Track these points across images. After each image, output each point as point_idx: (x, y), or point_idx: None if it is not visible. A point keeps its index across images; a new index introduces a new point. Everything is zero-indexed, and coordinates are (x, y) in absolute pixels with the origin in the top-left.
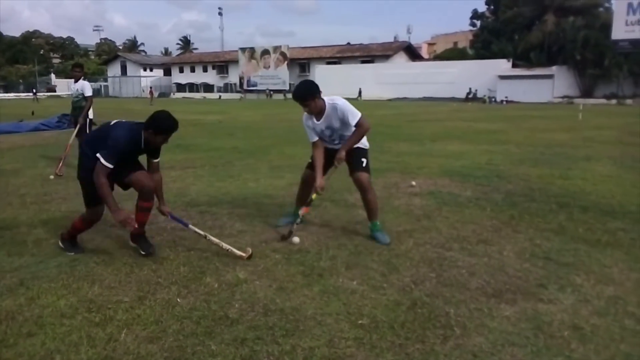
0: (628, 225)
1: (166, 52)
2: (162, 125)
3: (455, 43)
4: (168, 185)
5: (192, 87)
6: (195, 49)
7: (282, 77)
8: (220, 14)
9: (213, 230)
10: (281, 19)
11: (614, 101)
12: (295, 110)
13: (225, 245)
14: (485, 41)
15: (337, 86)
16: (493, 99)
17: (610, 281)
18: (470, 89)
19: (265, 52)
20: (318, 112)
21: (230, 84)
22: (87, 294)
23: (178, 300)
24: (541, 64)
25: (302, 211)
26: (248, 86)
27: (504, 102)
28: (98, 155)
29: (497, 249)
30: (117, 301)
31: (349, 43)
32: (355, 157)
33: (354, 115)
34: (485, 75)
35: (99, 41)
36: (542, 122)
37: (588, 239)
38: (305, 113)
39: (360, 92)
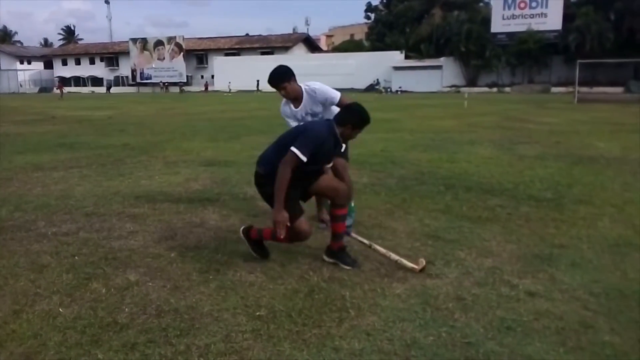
0: (505, 201)
1: (46, 43)
2: (363, 119)
3: (352, 35)
4: (49, 188)
5: (79, 81)
6: (81, 39)
7: (178, 69)
8: (107, 2)
9: (101, 233)
10: (172, 10)
11: (495, 89)
12: (191, 103)
13: (394, 256)
14: (380, 33)
15: (236, 78)
16: (389, 89)
17: (490, 253)
18: (377, 80)
19: (159, 43)
20: (295, 97)
21: (122, 77)
22: None
23: (60, 310)
24: (430, 55)
25: None
26: (142, 79)
27: (399, 92)
28: (292, 148)
29: (390, 231)
30: None
31: (247, 34)
32: None
33: (336, 95)
34: (380, 66)
35: None
36: (432, 110)
37: (471, 216)
38: (283, 103)
39: (258, 84)
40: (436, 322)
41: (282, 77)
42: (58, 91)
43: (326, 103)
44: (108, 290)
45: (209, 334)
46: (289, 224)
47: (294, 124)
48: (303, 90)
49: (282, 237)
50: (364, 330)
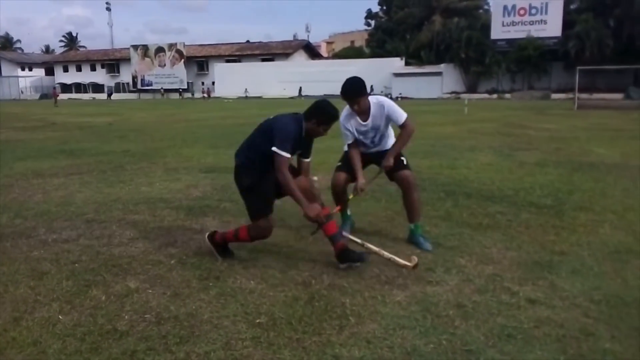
0: (505, 208)
1: (47, 50)
2: (328, 114)
3: (353, 42)
4: (50, 194)
5: (80, 88)
6: (82, 46)
7: (179, 75)
8: (108, 9)
9: (101, 240)
10: (171, 16)
11: (494, 96)
12: (191, 110)
13: (387, 254)
14: (380, 40)
15: (237, 84)
16: (389, 96)
17: (490, 260)
18: (371, 86)
19: (160, 49)
20: (364, 111)
21: (123, 83)
22: None
23: (60, 317)
24: (431, 62)
25: (335, 209)
26: (143, 85)
27: (399, 99)
28: (274, 148)
29: (391, 238)
30: None
31: (248, 41)
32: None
33: (402, 115)
34: (381, 72)
35: None
36: (432, 116)
37: (471, 223)
38: (345, 115)
39: (300, 91)
40: (436, 329)
41: (360, 91)
42: (55, 98)
43: (390, 119)
44: (108, 297)
45: (208, 342)
46: (323, 213)
47: (350, 137)
48: (371, 104)
49: (324, 220)
50: (364, 337)
